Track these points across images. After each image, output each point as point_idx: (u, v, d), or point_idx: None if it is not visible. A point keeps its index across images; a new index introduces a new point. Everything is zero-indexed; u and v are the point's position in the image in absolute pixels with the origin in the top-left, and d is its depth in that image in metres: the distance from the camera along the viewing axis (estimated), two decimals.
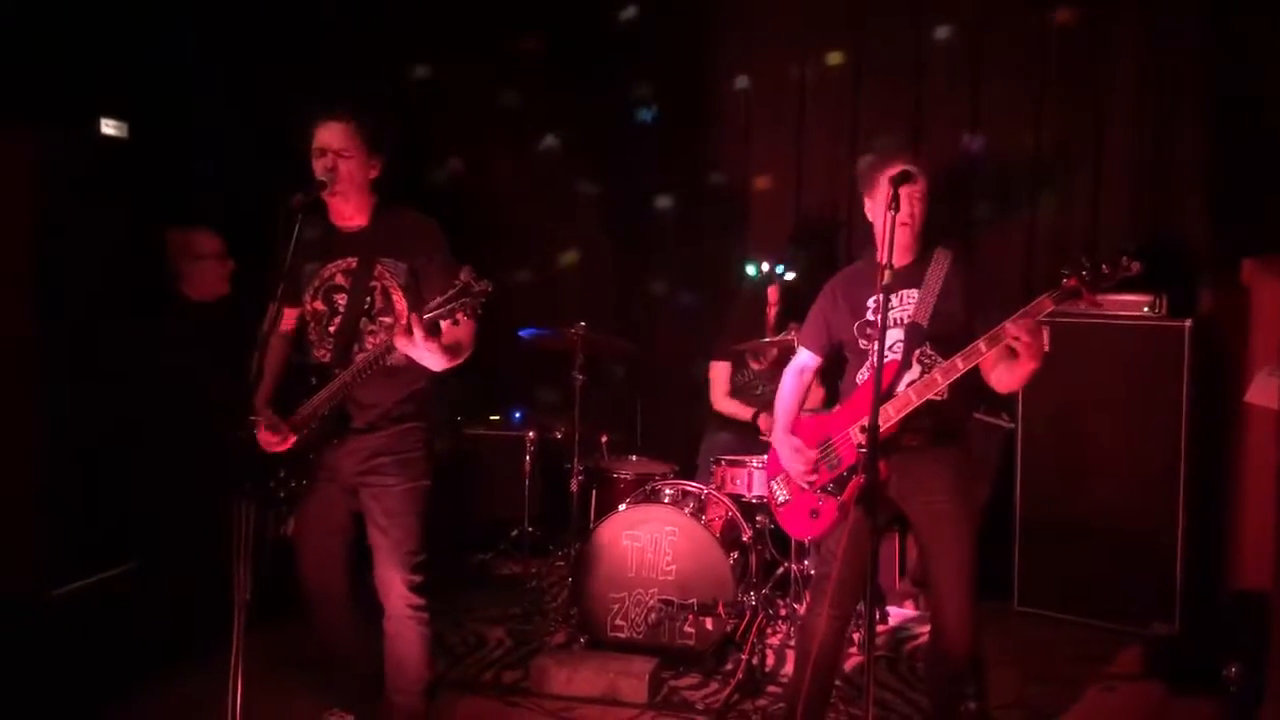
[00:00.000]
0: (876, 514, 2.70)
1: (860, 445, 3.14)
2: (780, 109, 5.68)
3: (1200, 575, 4.56)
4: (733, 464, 4.55)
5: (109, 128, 4.52)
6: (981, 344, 2.96)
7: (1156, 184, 4.97)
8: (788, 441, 3.34)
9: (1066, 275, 2.89)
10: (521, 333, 4.84)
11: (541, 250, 6.00)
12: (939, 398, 3.12)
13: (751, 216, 5.76)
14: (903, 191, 2.94)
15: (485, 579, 5.31)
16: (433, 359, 2.95)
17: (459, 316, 2.81)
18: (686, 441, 5.37)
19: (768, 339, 4.80)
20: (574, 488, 4.70)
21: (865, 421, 3.13)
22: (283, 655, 3.89)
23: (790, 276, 5.01)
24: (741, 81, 5.75)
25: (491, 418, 5.71)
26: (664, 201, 5.90)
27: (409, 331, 2.83)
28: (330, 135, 3.09)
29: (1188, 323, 4.52)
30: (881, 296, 2.85)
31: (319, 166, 3.09)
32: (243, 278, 4.29)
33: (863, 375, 3.25)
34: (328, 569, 3.27)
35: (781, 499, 3.41)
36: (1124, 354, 4.63)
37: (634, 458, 5.14)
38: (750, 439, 4.89)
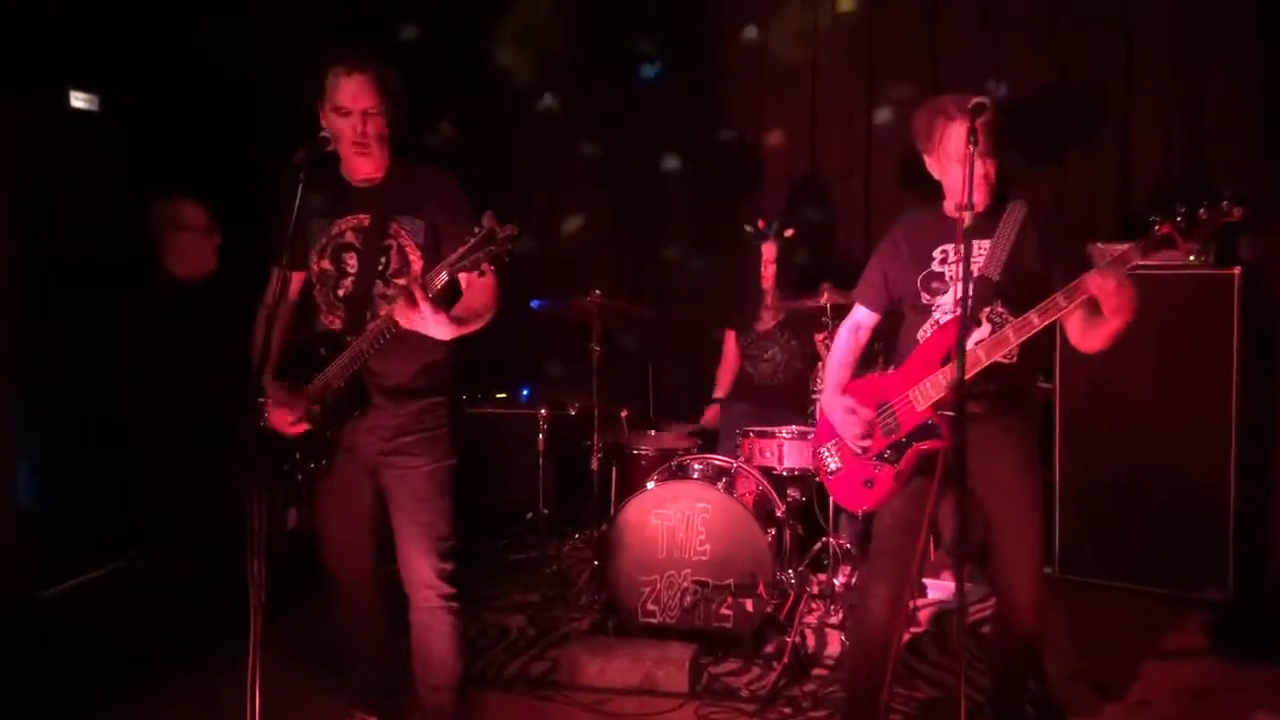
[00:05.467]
0: (964, 480, 2.40)
1: (937, 403, 2.87)
2: (792, 60, 5.40)
3: (1255, 538, 4.34)
4: (761, 435, 4.29)
5: (79, 100, 4.21)
6: (1060, 298, 2.70)
7: (1190, 123, 4.72)
8: (840, 403, 3.08)
9: (1158, 222, 2.61)
10: (532, 303, 4.55)
11: (543, 217, 5.69)
12: (1008, 360, 2.87)
13: (765, 174, 5.51)
14: (979, 125, 2.65)
15: (500, 566, 5.02)
16: (443, 330, 2.64)
17: (485, 267, 2.52)
18: (703, 412, 5.12)
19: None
20: (595, 466, 4.42)
21: (929, 383, 2.91)
22: (300, 652, 3.63)
23: (789, 233, 4.76)
24: (750, 33, 5.47)
25: (498, 395, 5.42)
26: (671, 162, 5.63)
27: (412, 302, 2.54)
28: (355, 91, 2.78)
29: (1236, 270, 4.28)
30: (962, 242, 2.54)
31: (346, 127, 2.78)
32: (231, 252, 3.99)
33: (924, 333, 2.99)
34: (353, 555, 3.01)
35: (832, 467, 3.14)
36: (1169, 306, 4.35)
37: (652, 432, 4.88)
38: (769, 409, 4.64)
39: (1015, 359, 2.89)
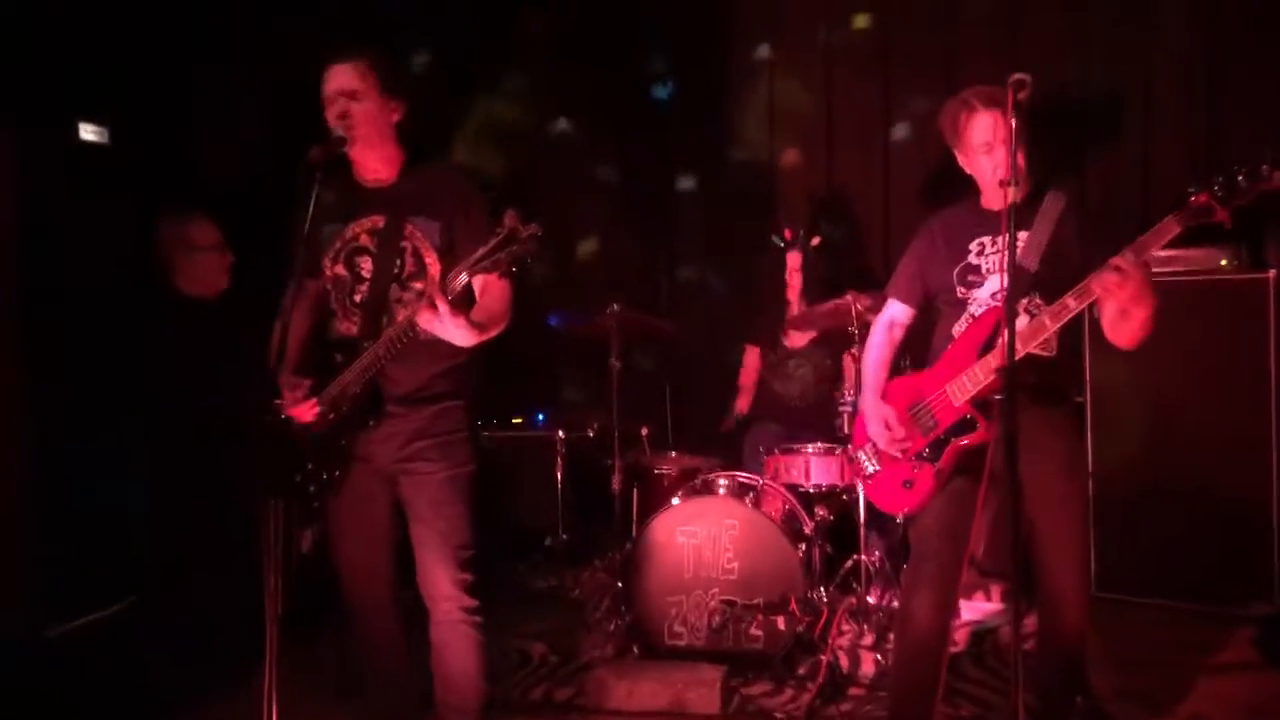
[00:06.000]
0: (1016, 465, 2.27)
1: (975, 396, 2.76)
2: (805, 78, 5.36)
3: None
4: (786, 452, 4.18)
5: (88, 133, 4.17)
6: (1094, 282, 2.60)
7: (1213, 122, 4.64)
8: (878, 411, 2.97)
9: (1194, 192, 2.52)
10: (551, 320, 4.46)
11: (558, 240, 5.62)
12: (1046, 354, 2.77)
13: (780, 192, 5.43)
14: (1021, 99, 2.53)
15: (518, 594, 4.86)
16: (462, 335, 2.55)
17: (507, 269, 2.43)
18: (725, 436, 5.00)
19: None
20: (616, 485, 4.30)
21: (967, 377, 2.80)
22: (316, 679, 3.49)
23: (815, 241, 4.68)
24: (762, 51, 5.43)
25: (514, 421, 5.31)
26: (686, 182, 5.57)
27: (432, 306, 2.45)
28: (340, 78, 2.72)
29: (1271, 273, 4.17)
30: (1006, 222, 2.40)
31: (331, 114, 2.71)
32: (243, 272, 3.91)
33: (960, 327, 2.89)
34: (369, 570, 2.87)
35: (870, 470, 3.03)
36: (1202, 313, 4.25)
37: (673, 454, 4.75)
38: (796, 427, 4.53)
39: (1054, 352, 2.79)
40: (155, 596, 3.82)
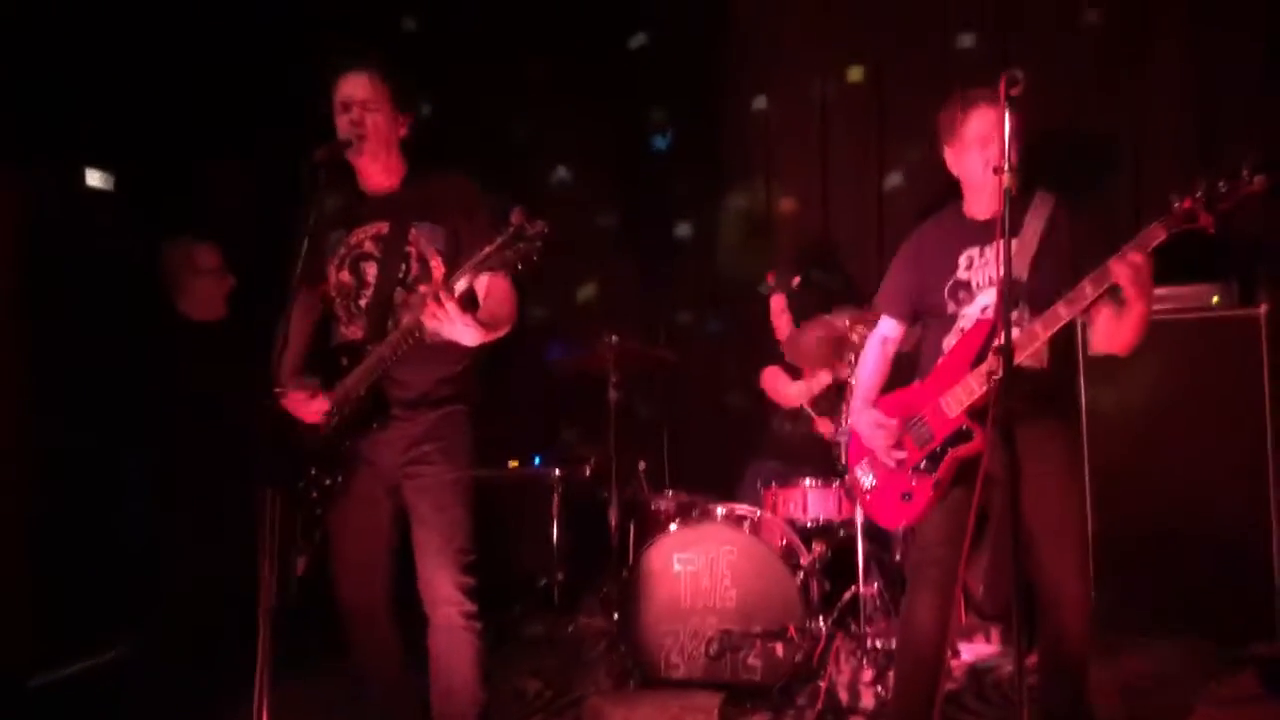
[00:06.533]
0: (1017, 472, 2.29)
1: (970, 407, 2.78)
2: (802, 128, 5.46)
3: None
4: (784, 485, 4.18)
5: (94, 179, 4.24)
6: (1087, 286, 2.63)
7: (1204, 173, 4.72)
8: (868, 415, 2.99)
9: (1177, 199, 2.57)
10: (550, 353, 4.49)
11: (558, 286, 5.67)
12: (1038, 366, 2.79)
13: (778, 239, 5.50)
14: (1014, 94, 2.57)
15: (512, 638, 4.80)
16: (469, 333, 2.59)
17: (513, 266, 2.47)
18: (723, 477, 4.98)
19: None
20: (613, 518, 4.28)
21: (960, 388, 2.82)
22: (310, 706, 3.43)
23: (795, 282, 4.74)
24: (759, 102, 5.54)
25: (510, 463, 5.30)
26: (684, 229, 5.64)
27: (439, 303, 2.49)
28: (354, 87, 2.80)
29: (1262, 309, 4.21)
30: (1004, 202, 2.42)
31: (343, 122, 2.79)
32: (242, 301, 3.96)
33: (951, 341, 2.92)
34: (368, 579, 2.87)
35: (868, 484, 3.03)
36: (1194, 351, 4.28)
37: (669, 493, 4.74)
38: (798, 465, 4.52)
39: (1046, 364, 2.81)
40: (155, 635, 3.78)
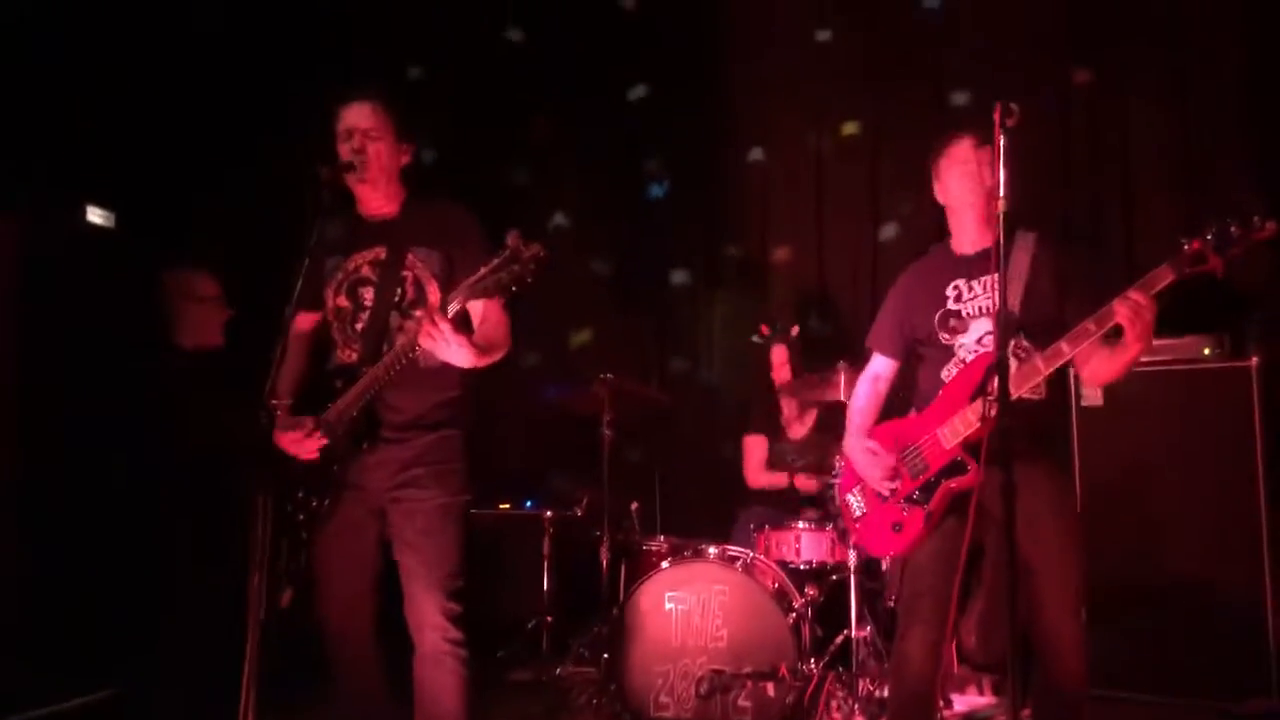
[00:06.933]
0: (1012, 503, 2.28)
1: (966, 439, 2.78)
2: (797, 180, 5.54)
3: None
4: (777, 528, 4.16)
5: (95, 216, 4.28)
6: (1090, 324, 2.65)
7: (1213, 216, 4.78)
8: (862, 445, 2.99)
9: (1186, 241, 2.59)
10: (546, 392, 4.49)
11: (554, 332, 5.70)
12: (1036, 396, 2.81)
13: (772, 289, 5.55)
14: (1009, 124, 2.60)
15: (498, 683, 4.72)
16: (464, 355, 2.59)
17: (507, 288, 2.48)
18: (714, 526, 4.95)
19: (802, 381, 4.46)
20: (604, 557, 4.24)
21: (958, 420, 2.83)
22: None
23: (794, 330, 4.77)
24: (756, 154, 5.63)
25: (501, 506, 5.27)
26: (680, 277, 5.68)
27: (433, 324, 2.50)
28: (358, 116, 2.85)
29: (1254, 361, 4.22)
30: (1000, 228, 2.42)
31: (345, 151, 2.83)
32: (240, 331, 3.96)
33: (949, 372, 2.93)
34: (353, 605, 2.83)
35: (859, 512, 3.03)
36: (1186, 402, 4.29)
37: (661, 536, 4.70)
38: (790, 512, 4.50)
39: (1044, 394, 2.83)
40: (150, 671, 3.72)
